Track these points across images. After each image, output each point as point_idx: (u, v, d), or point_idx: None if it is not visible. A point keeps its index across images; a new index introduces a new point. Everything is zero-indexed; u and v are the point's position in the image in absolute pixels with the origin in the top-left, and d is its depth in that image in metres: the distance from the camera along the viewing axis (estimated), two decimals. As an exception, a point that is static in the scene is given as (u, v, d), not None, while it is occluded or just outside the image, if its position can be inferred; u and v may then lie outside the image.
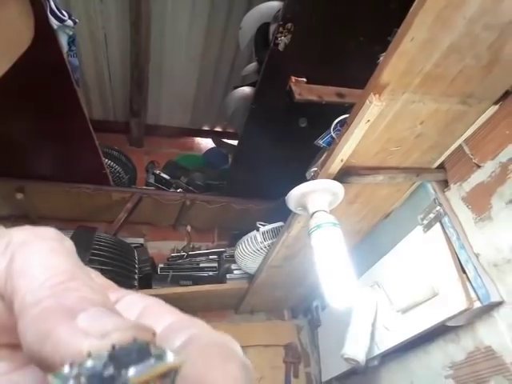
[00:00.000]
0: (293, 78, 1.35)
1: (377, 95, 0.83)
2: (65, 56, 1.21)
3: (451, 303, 1.01)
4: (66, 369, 0.12)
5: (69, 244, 0.18)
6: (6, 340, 0.17)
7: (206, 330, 0.16)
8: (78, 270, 0.17)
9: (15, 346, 0.17)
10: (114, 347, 0.13)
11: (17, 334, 0.15)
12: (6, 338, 0.17)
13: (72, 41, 1.30)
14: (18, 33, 1.01)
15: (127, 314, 0.17)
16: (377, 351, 1.30)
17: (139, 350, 0.13)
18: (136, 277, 1.02)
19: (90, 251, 0.97)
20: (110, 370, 0.12)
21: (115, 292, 0.20)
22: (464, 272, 1.02)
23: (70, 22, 1.22)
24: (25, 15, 1.00)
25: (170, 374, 0.13)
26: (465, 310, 0.97)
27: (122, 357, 0.13)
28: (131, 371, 0.12)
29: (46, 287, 0.15)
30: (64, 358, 0.13)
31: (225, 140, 2.35)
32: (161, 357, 0.13)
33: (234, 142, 2.12)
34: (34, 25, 1.04)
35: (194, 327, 0.16)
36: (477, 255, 1.02)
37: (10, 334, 0.17)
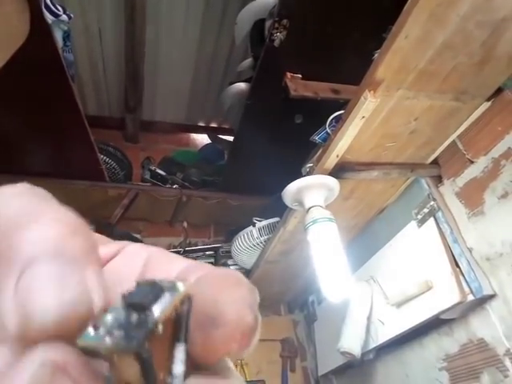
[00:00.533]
0: (288, 74, 1.36)
1: (372, 91, 0.84)
2: (60, 51, 1.20)
3: (445, 296, 1.03)
4: (91, 330, 0.12)
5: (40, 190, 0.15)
6: None
7: (215, 268, 0.16)
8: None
9: None
10: (124, 296, 0.13)
11: None
12: None
13: (67, 36, 1.30)
14: (13, 27, 1.00)
15: (132, 265, 0.17)
16: (372, 344, 1.32)
17: (152, 289, 0.13)
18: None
19: None
20: (135, 316, 0.12)
21: (114, 244, 0.18)
22: (457, 266, 1.04)
23: (64, 17, 1.22)
24: (20, 10, 0.99)
25: (186, 302, 0.13)
26: (458, 303, 0.99)
27: (140, 300, 0.13)
28: (156, 310, 0.12)
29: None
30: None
31: (220, 136, 2.35)
32: (173, 288, 0.13)
33: (230, 138, 2.13)
34: (29, 19, 1.03)
35: (205, 268, 0.16)
36: (470, 249, 1.04)
37: None
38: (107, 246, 0.18)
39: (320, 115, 1.21)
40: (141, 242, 1.87)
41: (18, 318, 0.11)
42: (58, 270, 0.12)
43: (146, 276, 0.16)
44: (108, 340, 0.12)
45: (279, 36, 1.23)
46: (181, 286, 0.13)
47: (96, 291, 0.13)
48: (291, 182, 1.09)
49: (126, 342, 0.12)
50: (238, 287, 0.14)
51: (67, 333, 0.12)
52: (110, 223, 1.64)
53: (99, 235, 0.18)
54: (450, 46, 0.77)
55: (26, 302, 0.11)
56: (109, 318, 0.12)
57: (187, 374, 0.13)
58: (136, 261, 0.17)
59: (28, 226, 0.13)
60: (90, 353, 0.12)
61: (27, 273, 0.12)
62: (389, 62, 0.79)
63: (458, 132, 1.07)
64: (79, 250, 0.13)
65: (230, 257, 1.77)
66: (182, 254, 1.86)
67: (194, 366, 0.13)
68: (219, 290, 0.14)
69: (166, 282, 0.13)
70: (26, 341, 0.11)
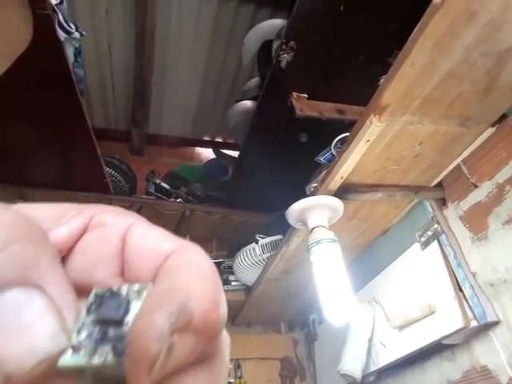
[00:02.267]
0: (294, 94, 1.38)
1: (377, 116, 0.85)
2: (70, 67, 1.23)
3: (448, 321, 1.02)
4: (69, 352, 0.12)
5: None
6: None
7: (179, 259, 0.15)
8: None
9: None
10: (91, 311, 0.13)
11: None
12: None
13: (78, 52, 1.32)
14: (16, 33, 1.02)
15: (106, 243, 0.15)
16: (373, 367, 1.30)
17: (119, 301, 0.13)
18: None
19: None
20: (112, 331, 0.13)
21: (76, 218, 0.16)
22: (461, 290, 1.03)
23: (77, 35, 1.25)
24: (23, 15, 1.01)
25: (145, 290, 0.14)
26: (461, 329, 0.98)
27: (113, 315, 0.13)
28: (129, 322, 0.13)
29: None
30: None
31: (225, 151, 2.36)
32: (139, 295, 0.13)
33: (235, 153, 2.14)
34: (33, 25, 1.05)
35: (183, 254, 0.15)
36: (474, 274, 1.03)
37: None
38: (66, 224, 0.16)
39: (325, 134, 1.22)
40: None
41: None
42: (15, 304, 0.11)
43: (127, 254, 0.15)
44: (96, 358, 0.12)
45: (286, 57, 1.25)
46: (144, 294, 0.13)
47: (66, 311, 0.12)
48: (295, 199, 1.10)
49: (114, 358, 0.12)
50: (158, 312, 0.13)
51: (44, 371, 0.11)
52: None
53: (44, 208, 0.16)
54: (455, 75, 0.79)
55: None
56: (84, 336, 0.12)
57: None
58: (111, 236, 0.15)
59: None
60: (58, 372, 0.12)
61: None
62: (394, 88, 0.80)
63: (463, 156, 1.07)
64: (26, 260, 0.12)
65: (232, 272, 1.76)
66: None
67: None
68: (141, 315, 0.13)
69: (132, 290, 0.13)
70: None
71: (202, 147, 2.66)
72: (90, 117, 2.16)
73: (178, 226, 1.99)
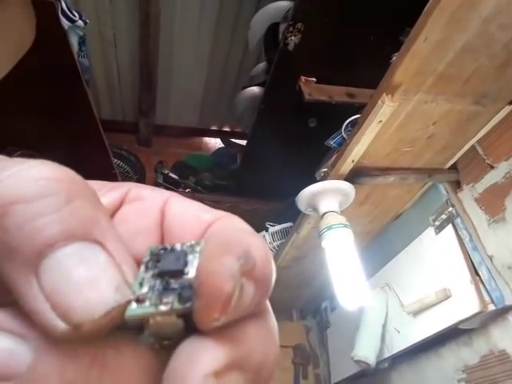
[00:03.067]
0: (302, 78, 1.35)
1: (389, 95, 0.82)
2: (75, 56, 1.21)
3: (464, 306, 1.00)
4: (134, 304, 0.13)
5: None
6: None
7: (226, 223, 0.16)
8: None
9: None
10: (151, 265, 0.14)
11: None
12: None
13: (82, 41, 1.31)
14: (19, 34, 1.01)
15: (146, 215, 0.15)
16: (387, 353, 1.29)
17: (177, 254, 0.14)
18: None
19: None
20: (173, 281, 0.13)
21: (114, 191, 0.16)
22: (477, 274, 1.01)
23: (80, 23, 1.23)
24: (26, 16, 1.00)
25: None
26: (478, 313, 0.96)
27: (174, 267, 0.13)
28: (189, 273, 0.13)
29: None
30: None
31: (233, 140, 2.35)
32: (193, 250, 0.14)
33: (243, 142, 2.12)
34: (36, 25, 1.04)
35: (220, 224, 0.16)
36: (490, 257, 1.01)
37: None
38: (103, 197, 0.16)
39: (334, 119, 1.19)
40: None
41: (55, 325, 0.11)
42: (79, 257, 0.11)
43: (168, 225, 0.16)
44: (163, 307, 0.12)
45: (293, 40, 1.22)
46: (200, 247, 0.14)
47: (125, 266, 0.13)
48: (304, 186, 1.08)
49: (181, 305, 0.12)
50: (226, 254, 0.13)
51: (111, 322, 0.12)
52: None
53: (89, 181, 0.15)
54: (471, 49, 0.75)
55: (61, 304, 0.11)
56: (146, 289, 0.13)
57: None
58: (149, 209, 0.16)
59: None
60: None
61: (45, 267, 0.11)
62: (407, 66, 0.77)
63: (478, 136, 1.04)
64: (88, 217, 0.12)
65: (243, 261, 1.75)
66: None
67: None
68: (209, 257, 0.13)
69: (186, 245, 0.14)
70: (70, 340, 0.11)
71: (209, 137, 2.65)
72: (97, 109, 2.16)
73: (188, 216, 1.99)
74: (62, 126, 1.42)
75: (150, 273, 0.13)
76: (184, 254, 0.14)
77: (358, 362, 1.30)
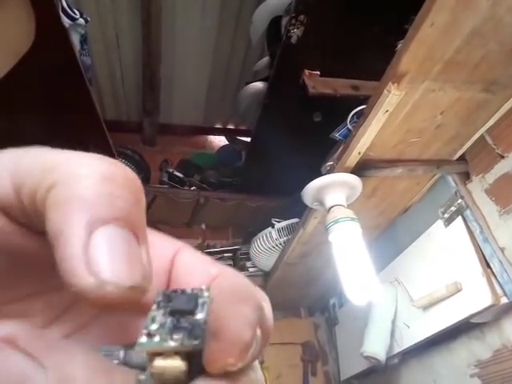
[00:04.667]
0: (306, 72, 1.33)
1: (395, 84, 0.80)
2: (77, 55, 1.21)
3: (476, 299, 0.98)
4: (144, 338, 0.13)
5: None
6: (35, 286, 0.15)
7: (233, 277, 0.16)
8: None
9: (48, 291, 0.16)
10: (163, 304, 0.14)
11: (50, 274, 0.14)
12: (36, 282, 0.15)
13: (84, 39, 1.30)
14: (18, 34, 1.01)
15: (157, 260, 0.16)
16: (397, 349, 1.27)
17: (188, 296, 0.14)
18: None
19: None
20: (183, 320, 0.14)
21: None
22: (489, 267, 0.99)
23: (81, 21, 1.23)
24: (26, 16, 1.00)
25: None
26: (490, 306, 0.94)
27: (186, 307, 0.14)
28: (200, 314, 0.14)
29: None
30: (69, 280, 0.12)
31: (238, 137, 2.34)
32: (202, 295, 0.15)
33: (247, 139, 2.11)
34: (36, 26, 1.03)
35: (225, 276, 0.16)
36: (502, 249, 0.98)
37: (40, 276, 0.15)
38: None
39: (339, 113, 1.17)
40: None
41: (86, 278, 0.12)
42: (128, 240, 0.13)
43: (176, 273, 0.17)
44: (172, 343, 0.13)
45: (296, 32, 1.21)
46: (208, 293, 0.15)
47: (150, 270, 0.14)
48: (310, 181, 1.06)
49: (190, 342, 0.13)
50: (243, 304, 0.14)
51: (130, 304, 0.13)
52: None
53: None
54: (480, 34, 0.73)
55: (100, 265, 0.12)
56: (156, 326, 0.13)
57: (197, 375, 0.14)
58: (159, 255, 0.17)
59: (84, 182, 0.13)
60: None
61: (101, 231, 0.12)
62: (413, 53, 0.75)
63: (488, 125, 1.01)
64: (141, 221, 0.14)
65: (249, 259, 1.74)
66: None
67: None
68: (225, 305, 0.14)
69: (196, 290, 0.15)
70: (87, 301, 0.12)
71: (214, 135, 2.64)
72: (102, 110, 2.16)
73: (193, 214, 1.98)
74: (64, 125, 1.41)
75: (162, 311, 0.14)
76: (195, 296, 0.14)
77: (367, 358, 1.28)
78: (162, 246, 0.17)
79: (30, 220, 0.14)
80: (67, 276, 0.12)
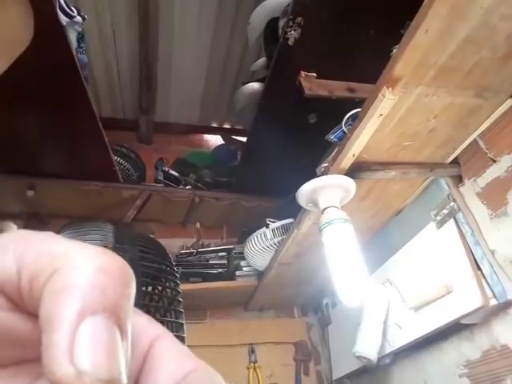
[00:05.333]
0: (302, 73, 1.34)
1: (390, 88, 0.81)
2: (74, 53, 1.21)
3: (466, 301, 0.99)
4: None
5: None
6: (18, 355, 0.16)
7: (208, 375, 0.17)
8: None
9: (31, 361, 0.16)
10: None
11: (30, 348, 0.15)
12: (19, 353, 0.16)
13: (81, 37, 1.30)
14: (16, 33, 1.00)
15: (135, 344, 0.16)
16: (389, 349, 1.29)
17: None
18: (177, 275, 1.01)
19: (139, 248, 0.93)
20: None
21: None
22: (479, 269, 1.00)
23: (78, 19, 1.22)
24: (24, 15, 0.99)
25: None
26: (480, 308, 0.95)
27: None
28: None
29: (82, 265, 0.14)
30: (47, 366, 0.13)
31: (234, 137, 2.34)
32: None
33: (243, 139, 2.11)
34: (34, 25, 1.03)
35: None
36: (492, 252, 1.00)
37: (22, 349, 0.16)
38: None
39: (335, 115, 1.18)
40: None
41: (67, 367, 0.13)
42: (112, 334, 0.14)
43: (151, 359, 0.17)
44: None
45: (293, 34, 1.21)
46: None
47: (128, 365, 0.14)
48: (305, 182, 1.07)
49: None
50: None
51: None
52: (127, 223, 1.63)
53: None
54: (473, 41, 0.75)
55: (81, 356, 0.13)
56: None
57: None
58: (139, 337, 0.17)
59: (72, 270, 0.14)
60: None
61: (88, 322, 0.13)
62: (408, 58, 0.76)
63: (480, 130, 1.03)
64: (127, 314, 0.15)
65: (243, 258, 1.75)
66: (194, 255, 1.85)
67: None
68: None
69: None
70: None
71: (210, 134, 2.64)
72: (98, 107, 2.15)
73: (188, 213, 1.99)
74: (61, 123, 1.41)
75: None
76: None
77: (359, 358, 1.29)
78: (144, 329, 0.18)
79: (23, 301, 0.15)
80: (48, 362, 0.13)
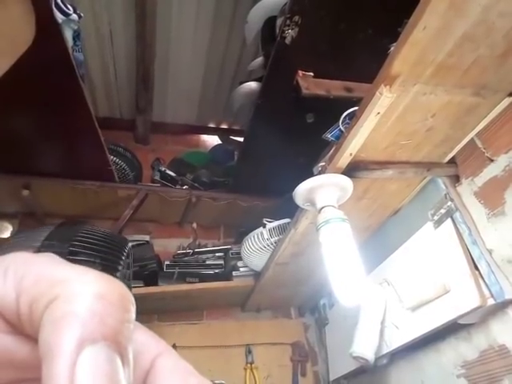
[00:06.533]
0: (300, 72, 1.34)
1: (387, 86, 0.81)
2: (70, 51, 1.20)
3: (463, 300, 0.99)
4: None
5: None
6: (15, 376, 0.16)
7: None
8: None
9: (28, 381, 0.16)
10: None
11: (27, 370, 0.15)
12: (16, 374, 0.16)
13: (77, 35, 1.29)
14: (19, 32, 0.99)
15: (138, 362, 0.16)
16: (386, 349, 1.28)
17: None
18: (120, 268, 1.01)
19: (71, 243, 0.94)
20: None
21: None
22: (477, 268, 1.00)
23: (74, 16, 1.21)
24: (26, 14, 0.98)
25: None
26: (478, 308, 0.95)
27: None
28: None
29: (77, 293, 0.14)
30: None
31: (231, 137, 2.33)
32: None
33: (240, 139, 2.11)
34: (35, 23, 1.02)
35: None
36: (490, 251, 1.00)
37: (19, 370, 0.16)
38: None
39: (332, 114, 1.17)
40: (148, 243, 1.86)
41: None
42: (113, 362, 0.14)
43: (154, 375, 0.17)
44: None
45: (291, 33, 1.21)
46: None
47: None
48: (302, 182, 1.06)
49: None
50: None
51: None
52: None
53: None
54: (471, 38, 0.74)
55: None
56: None
57: None
58: (142, 354, 0.17)
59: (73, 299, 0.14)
60: None
61: (88, 351, 0.13)
62: (405, 55, 0.76)
63: (477, 129, 1.02)
64: (128, 340, 0.15)
65: (240, 258, 1.74)
66: (191, 255, 1.84)
67: None
68: None
69: None
70: None
71: (207, 134, 2.63)
72: (94, 106, 2.15)
73: (185, 213, 1.98)
74: (57, 122, 1.40)
75: None
76: None
77: (356, 358, 1.28)
78: (147, 346, 0.18)
79: (22, 325, 0.15)
80: None
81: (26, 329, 0.15)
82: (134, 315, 0.15)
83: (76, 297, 0.14)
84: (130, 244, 1.12)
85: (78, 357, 0.13)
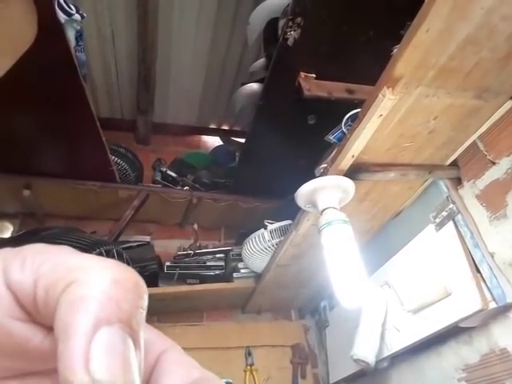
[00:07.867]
0: (302, 74, 1.33)
1: (390, 88, 0.80)
2: (72, 51, 1.20)
3: (465, 304, 0.98)
4: None
5: None
6: (23, 368, 0.16)
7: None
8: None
9: (35, 374, 0.17)
10: None
11: (36, 361, 0.16)
12: (25, 365, 0.16)
13: (79, 35, 1.29)
14: (21, 31, 1.00)
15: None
16: (387, 352, 1.27)
17: None
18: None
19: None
20: None
21: None
22: (478, 272, 0.99)
23: (77, 16, 1.21)
24: (28, 13, 0.99)
25: None
26: (479, 311, 0.94)
27: None
28: None
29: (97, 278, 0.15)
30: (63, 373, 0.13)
31: (232, 138, 2.33)
32: None
33: (242, 140, 2.11)
34: (37, 22, 1.02)
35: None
36: (492, 254, 0.99)
37: (29, 361, 0.16)
38: None
39: (334, 116, 1.17)
40: (149, 244, 1.86)
41: (82, 376, 0.13)
42: (127, 344, 0.14)
43: (159, 370, 0.17)
44: None
45: (293, 34, 1.21)
46: None
47: (141, 374, 0.15)
48: (304, 184, 1.06)
49: None
50: None
51: None
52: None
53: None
54: (473, 41, 0.74)
55: (97, 365, 0.13)
56: None
57: None
58: (150, 351, 0.17)
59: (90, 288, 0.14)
60: None
61: (104, 332, 0.14)
62: (408, 58, 0.76)
63: (479, 132, 1.02)
64: (141, 325, 0.15)
65: (241, 260, 1.74)
66: (192, 257, 1.84)
67: None
68: None
69: None
70: None
71: (208, 135, 2.63)
72: (96, 106, 2.15)
73: (186, 214, 1.98)
74: (58, 122, 1.40)
75: None
76: None
77: (357, 361, 1.28)
78: (152, 343, 0.18)
79: (37, 310, 0.15)
80: (64, 370, 0.13)
81: (40, 314, 0.15)
82: (146, 302, 0.16)
83: (93, 281, 0.14)
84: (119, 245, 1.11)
85: (93, 335, 0.13)
